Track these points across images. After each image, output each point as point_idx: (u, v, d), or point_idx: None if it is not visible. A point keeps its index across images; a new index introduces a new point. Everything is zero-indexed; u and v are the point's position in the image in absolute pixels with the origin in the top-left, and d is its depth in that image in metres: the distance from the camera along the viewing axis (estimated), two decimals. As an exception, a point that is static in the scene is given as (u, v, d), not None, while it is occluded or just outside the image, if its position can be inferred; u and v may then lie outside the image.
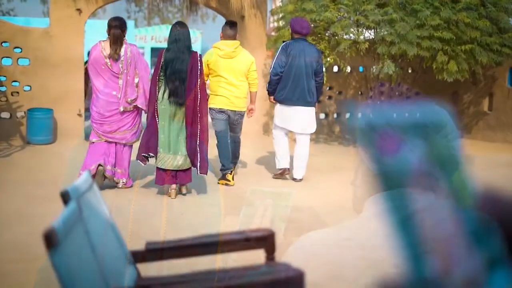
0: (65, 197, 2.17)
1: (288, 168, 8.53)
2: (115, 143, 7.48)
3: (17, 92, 11.65)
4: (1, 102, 11.59)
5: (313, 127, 8.45)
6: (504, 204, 0.62)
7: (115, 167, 7.51)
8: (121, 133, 7.47)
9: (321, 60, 8.44)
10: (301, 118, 8.30)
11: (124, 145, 7.52)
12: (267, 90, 8.51)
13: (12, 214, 6.21)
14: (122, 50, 7.34)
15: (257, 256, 3.03)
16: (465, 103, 13.39)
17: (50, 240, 1.75)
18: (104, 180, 7.44)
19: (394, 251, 0.65)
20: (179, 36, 6.99)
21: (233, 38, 8.18)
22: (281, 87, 8.25)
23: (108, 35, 7.37)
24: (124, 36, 7.44)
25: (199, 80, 6.99)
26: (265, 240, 2.84)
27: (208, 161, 7.25)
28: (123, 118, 7.42)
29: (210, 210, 6.68)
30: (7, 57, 11.57)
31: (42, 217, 5.62)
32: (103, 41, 7.42)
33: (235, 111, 8.14)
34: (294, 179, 8.41)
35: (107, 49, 7.32)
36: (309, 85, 8.22)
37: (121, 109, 7.36)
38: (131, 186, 7.67)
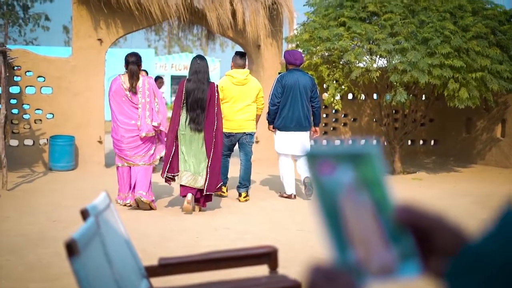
0: (85, 214, 2.43)
1: (295, 194, 9.11)
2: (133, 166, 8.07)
3: (40, 120, 12.02)
4: (24, 130, 11.95)
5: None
6: (415, 215, 0.87)
7: (134, 189, 8.03)
8: (140, 157, 8.07)
9: (315, 87, 9.16)
10: (300, 142, 8.86)
11: (142, 165, 8.06)
12: (267, 120, 9.10)
13: (36, 236, 6.48)
14: (140, 82, 8.03)
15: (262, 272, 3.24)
16: (478, 130, 13.54)
17: (71, 249, 2.00)
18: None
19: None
20: (199, 68, 7.73)
21: (243, 67, 9.09)
22: (279, 116, 8.95)
23: (126, 69, 8.07)
24: (140, 71, 8.09)
25: (216, 108, 7.73)
26: (268, 256, 3.07)
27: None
28: (141, 143, 8.05)
29: (223, 233, 6.90)
30: (30, 85, 11.96)
31: (65, 239, 5.87)
32: (122, 74, 8.13)
33: (245, 132, 8.83)
34: (304, 184, 8.87)
35: (126, 82, 8.03)
36: (304, 111, 8.91)
37: (143, 134, 7.97)
38: (155, 208, 8.12)
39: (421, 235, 0.83)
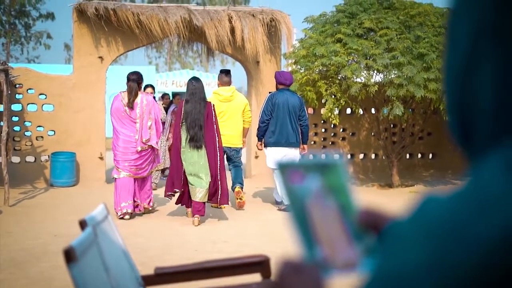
0: (83, 225, 2.55)
1: None
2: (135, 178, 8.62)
3: (42, 137, 12.14)
4: (26, 147, 12.06)
5: None
6: (375, 217, 0.97)
7: (138, 199, 8.69)
8: (139, 169, 8.62)
9: (303, 106, 9.63)
10: (290, 157, 8.83)
11: (145, 177, 8.74)
12: (257, 136, 9.48)
13: (38, 250, 6.60)
14: (138, 99, 8.60)
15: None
16: (476, 143, 13.62)
17: (69, 256, 2.11)
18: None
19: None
20: (195, 90, 8.29)
21: (229, 84, 9.65)
22: (270, 132, 9.35)
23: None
24: (140, 88, 8.79)
25: (214, 125, 8.28)
26: (261, 265, 3.18)
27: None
28: (140, 156, 8.58)
29: (222, 247, 7.01)
30: (32, 103, 12.09)
31: (64, 253, 5.97)
32: (123, 91, 8.70)
33: (231, 147, 9.34)
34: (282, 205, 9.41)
35: (125, 98, 8.59)
36: (293, 128, 9.36)
37: (139, 148, 8.54)
38: (152, 208, 9.03)
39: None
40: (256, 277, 3.22)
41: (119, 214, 8.42)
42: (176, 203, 8.56)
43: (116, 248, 2.87)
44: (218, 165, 8.22)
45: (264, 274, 3.17)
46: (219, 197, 8.25)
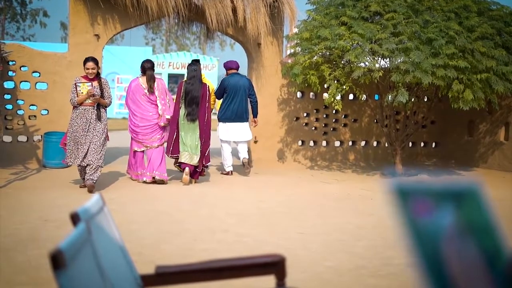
0: (75, 219, 2.18)
1: (232, 171, 11.39)
2: (148, 149, 10.01)
3: (35, 116, 11.77)
4: (18, 126, 11.69)
5: (249, 136, 11.46)
6: None
7: (153, 169, 9.95)
8: (155, 140, 10.05)
9: (252, 86, 11.44)
10: (240, 130, 11.29)
11: (156, 147, 10.01)
12: (215, 95, 11.47)
13: (26, 237, 6.22)
14: (155, 84, 10.00)
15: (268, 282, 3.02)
16: (481, 133, 13.33)
17: (57, 261, 1.75)
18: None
19: None
20: (195, 73, 10.01)
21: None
22: (223, 109, 11.27)
23: (143, 73, 10.07)
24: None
25: (207, 104, 9.97)
26: (275, 266, 2.82)
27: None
28: (155, 129, 10.05)
29: (221, 236, 6.67)
30: (25, 81, 11.71)
31: (56, 240, 5.61)
32: (140, 77, 10.13)
33: None
34: (243, 164, 11.33)
35: (144, 83, 10.04)
36: (244, 106, 11.26)
37: (162, 124, 10.02)
38: (167, 182, 10.03)
39: None
40: (269, 280, 2.86)
41: (138, 178, 10.05)
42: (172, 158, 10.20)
43: (113, 245, 2.51)
44: (204, 137, 9.84)
45: (278, 276, 2.81)
46: (202, 163, 9.91)
